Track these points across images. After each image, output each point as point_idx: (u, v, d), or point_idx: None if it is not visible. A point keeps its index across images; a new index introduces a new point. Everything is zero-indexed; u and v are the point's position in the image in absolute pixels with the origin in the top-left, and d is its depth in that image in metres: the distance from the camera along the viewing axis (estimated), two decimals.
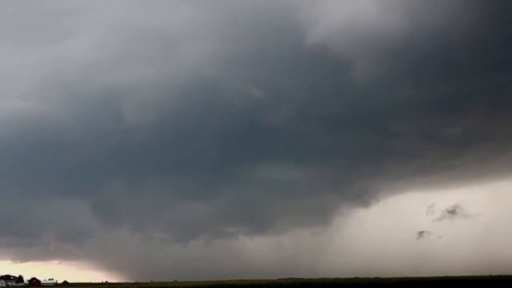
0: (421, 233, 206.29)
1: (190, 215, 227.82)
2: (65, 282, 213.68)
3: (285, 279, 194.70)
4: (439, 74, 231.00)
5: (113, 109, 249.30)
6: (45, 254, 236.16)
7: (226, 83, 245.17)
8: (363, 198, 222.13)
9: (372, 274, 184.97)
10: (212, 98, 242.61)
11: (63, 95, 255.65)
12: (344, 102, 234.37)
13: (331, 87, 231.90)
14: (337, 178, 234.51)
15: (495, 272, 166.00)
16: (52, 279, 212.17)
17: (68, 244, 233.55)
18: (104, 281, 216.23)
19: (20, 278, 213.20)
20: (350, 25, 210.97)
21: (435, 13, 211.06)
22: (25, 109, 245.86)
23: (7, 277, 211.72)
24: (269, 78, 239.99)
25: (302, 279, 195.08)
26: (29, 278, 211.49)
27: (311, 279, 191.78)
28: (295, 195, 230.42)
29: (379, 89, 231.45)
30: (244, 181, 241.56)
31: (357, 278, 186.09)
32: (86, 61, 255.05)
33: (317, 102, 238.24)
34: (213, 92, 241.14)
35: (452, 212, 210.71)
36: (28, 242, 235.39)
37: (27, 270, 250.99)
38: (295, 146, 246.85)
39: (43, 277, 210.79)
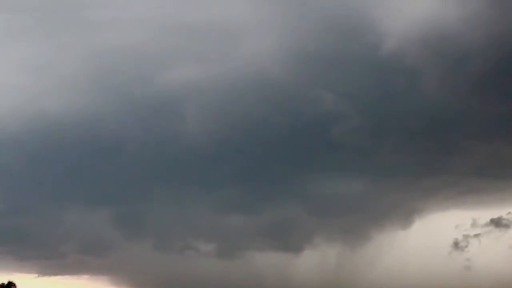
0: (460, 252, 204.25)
1: (227, 229, 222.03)
2: None
3: None
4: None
5: (170, 111, 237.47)
6: (74, 268, 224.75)
7: (293, 86, 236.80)
8: (408, 219, 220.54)
9: None
10: (277, 102, 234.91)
11: (110, 92, 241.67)
12: (415, 114, 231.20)
13: (404, 98, 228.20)
14: (389, 196, 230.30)
15: None
16: None
17: (98, 258, 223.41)
18: None
19: None
20: (428, 30, 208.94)
21: None
22: (78, 107, 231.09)
23: None
24: (339, 83, 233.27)
25: None
26: None
27: None
28: (342, 212, 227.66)
29: (450, 102, 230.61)
30: (295, 195, 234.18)
31: None
32: (141, 57, 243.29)
33: (385, 113, 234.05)
34: (278, 96, 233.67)
35: (500, 229, 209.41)
36: (57, 255, 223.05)
37: (54, 285, 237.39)
38: (359, 161, 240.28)
39: None
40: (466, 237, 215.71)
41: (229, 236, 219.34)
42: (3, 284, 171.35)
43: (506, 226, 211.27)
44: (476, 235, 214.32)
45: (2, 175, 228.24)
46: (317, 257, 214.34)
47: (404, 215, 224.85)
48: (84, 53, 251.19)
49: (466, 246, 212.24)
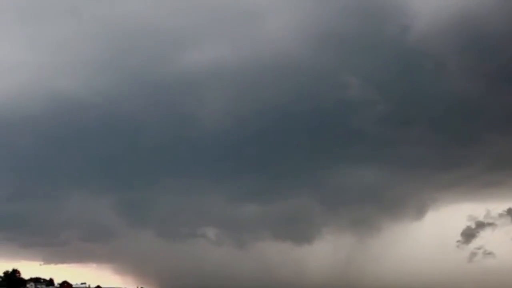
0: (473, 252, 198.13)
1: (237, 219, 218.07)
2: (98, 287, 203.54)
3: None
4: None
5: (188, 95, 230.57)
6: (80, 256, 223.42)
7: (316, 71, 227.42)
8: (418, 212, 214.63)
9: None
10: (299, 88, 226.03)
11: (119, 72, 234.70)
12: (439, 106, 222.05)
13: (428, 88, 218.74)
14: (402, 189, 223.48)
15: None
16: (84, 283, 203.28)
17: (103, 246, 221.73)
18: (139, 287, 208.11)
19: (50, 281, 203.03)
20: (458, 18, 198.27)
21: None
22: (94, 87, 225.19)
23: (36, 280, 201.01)
24: (363, 69, 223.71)
25: None
26: (60, 281, 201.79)
27: None
28: (353, 204, 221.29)
29: (475, 94, 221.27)
30: (312, 185, 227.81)
31: None
32: (155, 37, 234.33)
33: (411, 102, 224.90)
34: (301, 81, 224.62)
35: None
36: (62, 242, 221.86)
37: (60, 272, 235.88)
38: (378, 152, 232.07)
39: (75, 281, 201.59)
40: (478, 227, 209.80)
41: (238, 225, 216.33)
42: (7, 271, 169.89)
43: None
44: (489, 224, 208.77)
45: (9, 158, 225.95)
46: (329, 248, 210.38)
47: (418, 207, 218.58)
48: (101, 30, 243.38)
49: (478, 233, 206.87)
